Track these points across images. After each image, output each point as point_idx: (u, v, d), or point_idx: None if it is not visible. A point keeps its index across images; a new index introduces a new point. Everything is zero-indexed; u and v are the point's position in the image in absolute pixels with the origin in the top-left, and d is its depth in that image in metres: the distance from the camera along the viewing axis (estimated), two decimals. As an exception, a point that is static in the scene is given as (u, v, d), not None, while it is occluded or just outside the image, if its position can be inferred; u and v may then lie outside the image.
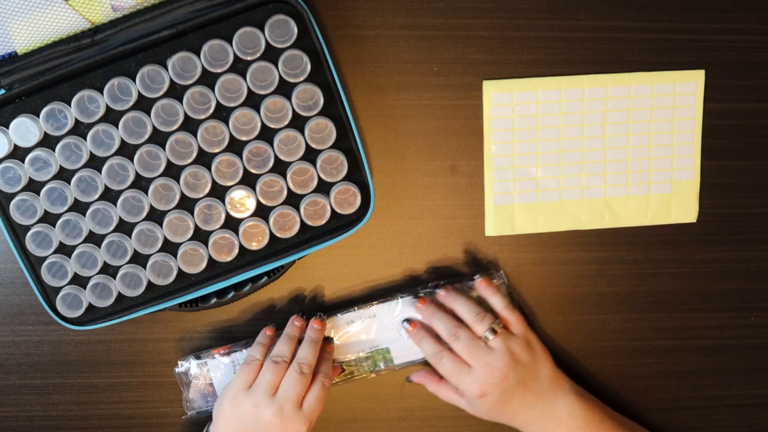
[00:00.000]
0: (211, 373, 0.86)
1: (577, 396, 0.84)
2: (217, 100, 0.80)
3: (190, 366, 0.87)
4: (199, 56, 0.79)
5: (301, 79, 0.80)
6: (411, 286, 0.89)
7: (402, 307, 0.87)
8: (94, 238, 0.82)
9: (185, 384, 0.87)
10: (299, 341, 0.83)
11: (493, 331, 0.81)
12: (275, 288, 0.88)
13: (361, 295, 0.89)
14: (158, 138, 0.80)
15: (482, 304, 0.86)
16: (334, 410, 0.90)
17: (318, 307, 0.89)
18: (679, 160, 0.89)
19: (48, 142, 0.80)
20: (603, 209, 0.89)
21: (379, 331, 0.87)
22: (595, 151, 0.88)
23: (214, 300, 0.84)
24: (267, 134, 0.81)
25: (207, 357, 0.86)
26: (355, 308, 0.87)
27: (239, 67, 0.80)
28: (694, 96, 0.88)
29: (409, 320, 0.86)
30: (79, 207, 0.81)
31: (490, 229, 0.89)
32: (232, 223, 0.82)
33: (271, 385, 0.79)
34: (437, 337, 0.84)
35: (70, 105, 0.79)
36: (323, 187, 0.82)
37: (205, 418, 0.88)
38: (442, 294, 0.85)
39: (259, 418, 0.78)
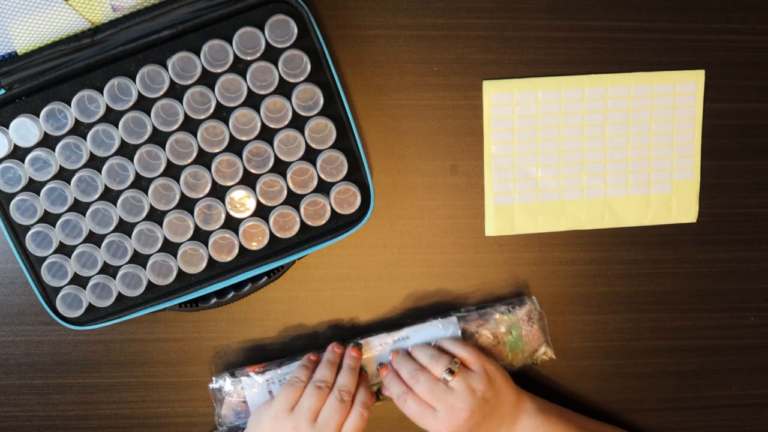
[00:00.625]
0: (245, 391, 0.85)
1: (539, 414, 0.83)
2: (217, 100, 0.80)
3: (224, 383, 0.86)
4: (199, 56, 0.79)
5: (301, 79, 0.80)
6: (414, 290, 0.89)
7: (435, 331, 0.86)
8: (94, 238, 0.82)
9: (218, 400, 0.86)
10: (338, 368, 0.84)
11: (451, 372, 0.81)
12: (275, 288, 0.88)
13: (364, 299, 0.89)
14: (158, 138, 0.80)
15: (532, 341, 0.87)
16: (334, 410, 0.90)
17: (325, 313, 0.89)
18: (679, 160, 0.89)
19: (48, 142, 0.80)
20: (603, 209, 0.89)
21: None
22: (595, 151, 0.88)
23: (214, 300, 0.84)
24: (267, 134, 0.81)
25: (241, 375, 0.86)
26: (388, 331, 0.86)
27: (239, 67, 0.80)
28: (694, 96, 0.88)
29: (382, 363, 0.86)
30: (79, 207, 0.81)
31: (490, 229, 0.89)
32: (232, 223, 0.82)
33: (313, 410, 0.80)
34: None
35: (70, 105, 0.79)
36: (323, 187, 0.82)
37: None
38: (402, 352, 0.85)
39: None
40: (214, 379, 0.86)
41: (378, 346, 0.86)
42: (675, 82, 0.87)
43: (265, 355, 0.89)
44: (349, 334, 0.89)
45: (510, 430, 0.83)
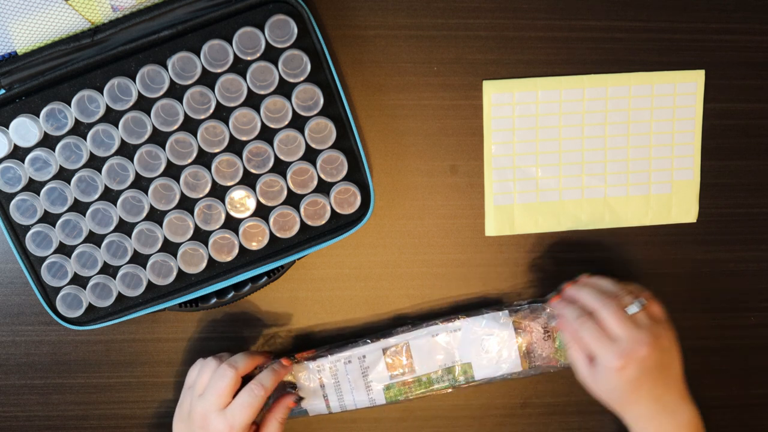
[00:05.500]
0: (294, 377, 0.85)
1: (697, 414, 0.81)
2: (217, 100, 0.80)
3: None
4: (199, 56, 0.79)
5: (301, 79, 0.80)
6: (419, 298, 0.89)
7: (487, 323, 0.86)
8: (94, 238, 0.82)
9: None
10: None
11: (642, 306, 0.78)
12: (275, 288, 0.89)
13: (364, 299, 0.89)
14: (158, 138, 0.80)
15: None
16: (334, 410, 0.90)
17: (325, 313, 0.89)
18: (679, 160, 0.89)
19: (48, 142, 0.80)
20: (603, 209, 0.89)
21: (462, 345, 0.86)
22: (595, 151, 0.88)
23: (214, 300, 0.84)
24: (267, 134, 0.81)
25: (291, 361, 0.85)
26: (438, 321, 0.86)
27: (239, 67, 0.80)
28: (694, 96, 0.88)
29: (558, 290, 0.85)
30: (79, 207, 0.81)
31: (490, 229, 0.89)
32: (232, 223, 0.82)
33: (203, 383, 0.80)
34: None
35: (70, 105, 0.79)
36: (323, 187, 0.82)
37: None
38: (583, 279, 0.83)
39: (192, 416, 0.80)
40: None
41: (428, 336, 0.86)
42: (675, 82, 0.88)
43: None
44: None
45: (670, 407, 0.79)
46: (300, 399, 0.84)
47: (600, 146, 0.88)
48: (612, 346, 0.77)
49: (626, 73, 0.87)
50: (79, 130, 0.80)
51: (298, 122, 0.81)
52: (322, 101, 0.80)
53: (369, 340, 0.86)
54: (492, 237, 0.89)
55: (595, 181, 0.89)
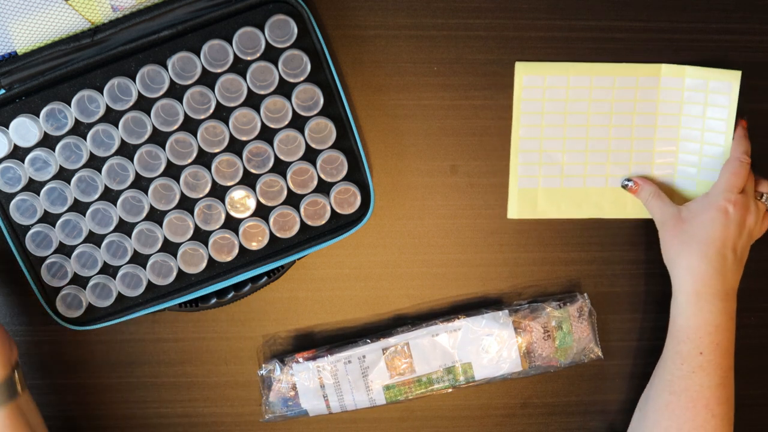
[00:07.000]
0: (295, 377, 0.85)
1: (734, 315, 0.83)
2: (217, 100, 0.80)
3: (274, 370, 0.86)
4: (199, 56, 0.79)
5: (301, 79, 0.80)
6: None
7: (487, 322, 0.86)
8: (94, 238, 0.82)
9: (267, 387, 0.86)
10: None
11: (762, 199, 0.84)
12: (275, 288, 0.88)
13: (364, 299, 0.89)
14: (158, 138, 0.80)
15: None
16: (334, 410, 0.90)
17: (325, 313, 0.89)
18: (706, 160, 0.88)
19: (48, 142, 0.80)
20: (626, 198, 0.89)
21: (462, 345, 0.86)
22: (621, 140, 0.88)
23: (214, 300, 0.84)
24: (267, 134, 0.81)
25: (291, 361, 0.86)
26: (438, 321, 0.87)
27: (239, 67, 0.80)
28: (728, 96, 0.87)
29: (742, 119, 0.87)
30: (79, 207, 0.81)
31: (512, 212, 0.89)
32: (232, 223, 0.82)
33: None
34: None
35: (70, 105, 0.79)
36: (323, 187, 0.82)
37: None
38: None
39: None
40: (263, 365, 0.86)
41: (429, 336, 0.86)
42: (708, 79, 0.87)
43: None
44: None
45: (723, 293, 0.82)
46: None
47: (627, 135, 0.88)
48: (740, 193, 0.82)
49: (657, 64, 0.87)
50: (79, 130, 0.80)
51: (298, 122, 0.81)
52: (322, 101, 0.80)
53: (369, 340, 0.86)
54: (492, 237, 0.89)
55: (620, 171, 0.89)
